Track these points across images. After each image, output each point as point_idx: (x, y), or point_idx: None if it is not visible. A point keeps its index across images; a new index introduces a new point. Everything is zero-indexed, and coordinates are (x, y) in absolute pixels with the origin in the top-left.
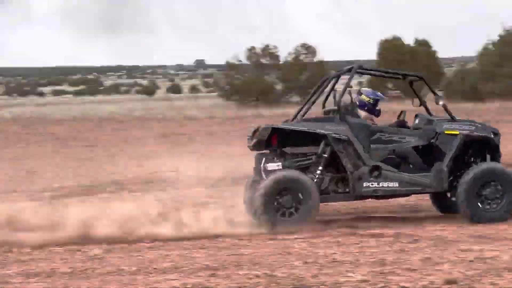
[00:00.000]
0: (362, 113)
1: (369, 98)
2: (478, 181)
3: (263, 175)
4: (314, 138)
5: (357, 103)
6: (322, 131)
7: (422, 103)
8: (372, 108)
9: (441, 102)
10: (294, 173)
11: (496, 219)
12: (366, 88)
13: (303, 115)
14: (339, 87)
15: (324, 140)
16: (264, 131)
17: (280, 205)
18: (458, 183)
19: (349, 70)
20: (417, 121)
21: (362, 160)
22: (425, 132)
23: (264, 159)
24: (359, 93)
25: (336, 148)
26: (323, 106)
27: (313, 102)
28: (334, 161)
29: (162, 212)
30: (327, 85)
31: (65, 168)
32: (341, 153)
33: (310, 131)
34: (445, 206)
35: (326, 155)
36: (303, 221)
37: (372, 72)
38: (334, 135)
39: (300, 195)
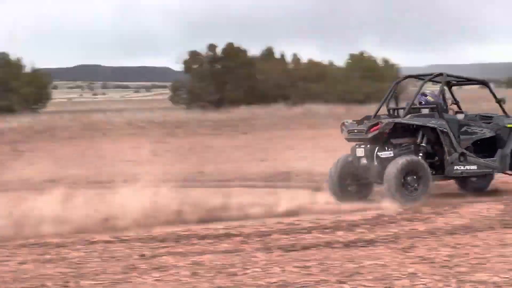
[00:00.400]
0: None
1: (434, 98)
2: None
3: (375, 162)
4: (412, 131)
5: (423, 102)
6: (432, 125)
7: (500, 104)
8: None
9: (503, 103)
10: (416, 158)
11: None
12: (429, 90)
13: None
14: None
15: (423, 132)
16: (387, 126)
17: (407, 184)
18: None
19: (439, 75)
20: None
21: (454, 148)
22: (493, 126)
23: (377, 148)
24: (424, 94)
25: (441, 138)
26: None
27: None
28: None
29: None
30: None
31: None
32: (441, 142)
33: (425, 125)
34: (469, 188)
35: (424, 144)
36: (423, 196)
37: (455, 78)
38: (439, 128)
39: (420, 175)
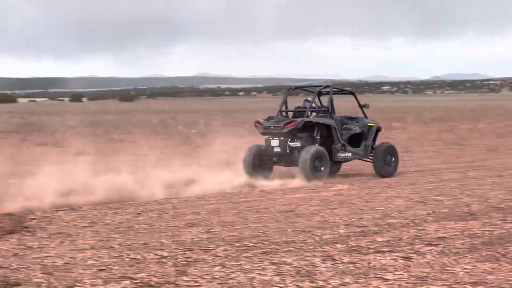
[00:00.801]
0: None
1: (314, 104)
2: (385, 152)
3: (287, 150)
4: (311, 127)
5: (307, 107)
6: (328, 123)
7: (362, 108)
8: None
9: (366, 108)
10: (317, 148)
11: (391, 174)
12: (311, 98)
13: (280, 114)
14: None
15: (318, 128)
16: (300, 123)
17: (315, 166)
18: (375, 153)
19: (327, 86)
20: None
21: (339, 140)
22: (360, 124)
23: (270, 140)
24: (308, 100)
25: (333, 132)
26: (279, 112)
27: (283, 106)
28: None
29: None
30: (286, 97)
31: None
32: (331, 135)
33: (325, 123)
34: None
35: (320, 137)
36: (325, 174)
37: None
38: (332, 125)
39: (323, 160)
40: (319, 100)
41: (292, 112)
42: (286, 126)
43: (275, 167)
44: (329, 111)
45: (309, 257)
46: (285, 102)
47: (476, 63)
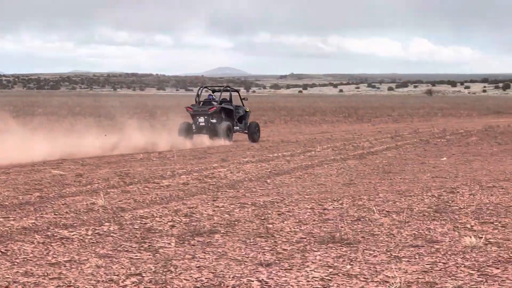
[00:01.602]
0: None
1: (216, 97)
2: (254, 127)
3: (209, 124)
4: (220, 110)
5: (212, 98)
6: (231, 107)
7: (242, 100)
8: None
9: (246, 100)
10: (227, 123)
11: (257, 141)
12: (213, 93)
13: (199, 103)
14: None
15: (224, 111)
16: (218, 107)
17: (227, 133)
18: (249, 128)
19: (227, 87)
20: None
21: (234, 119)
22: (242, 109)
23: (198, 117)
24: (211, 95)
25: (233, 114)
26: (196, 100)
27: (197, 97)
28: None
29: None
30: (201, 90)
31: None
32: (232, 116)
33: (229, 107)
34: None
35: (224, 116)
36: (232, 138)
37: (217, 88)
38: (234, 109)
39: (231, 130)
40: (220, 95)
41: (202, 102)
42: (209, 110)
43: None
44: (230, 101)
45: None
46: (198, 96)
47: None
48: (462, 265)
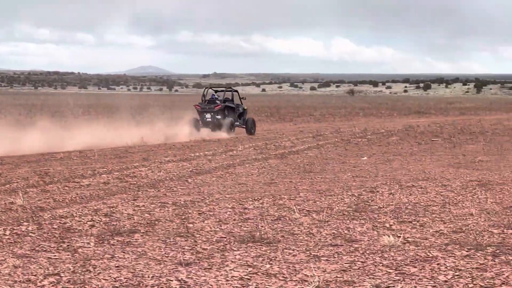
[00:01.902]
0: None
1: (219, 96)
2: (251, 122)
3: (205, 119)
4: (224, 108)
5: (215, 97)
6: (233, 105)
7: (241, 99)
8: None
9: (244, 99)
10: (231, 119)
11: (253, 134)
12: (216, 93)
13: (204, 100)
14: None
15: (227, 108)
16: (223, 106)
17: (231, 128)
18: (246, 123)
19: (229, 87)
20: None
21: (235, 115)
22: (241, 107)
23: (205, 114)
24: (214, 94)
25: (235, 111)
26: (202, 99)
27: (203, 96)
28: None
29: None
30: (206, 91)
31: None
32: (234, 113)
33: (232, 105)
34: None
35: (227, 113)
36: (234, 132)
37: (221, 88)
38: (236, 107)
39: (234, 125)
40: (224, 94)
41: (207, 101)
42: (215, 108)
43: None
44: (232, 100)
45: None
46: (204, 95)
47: None
48: (380, 264)
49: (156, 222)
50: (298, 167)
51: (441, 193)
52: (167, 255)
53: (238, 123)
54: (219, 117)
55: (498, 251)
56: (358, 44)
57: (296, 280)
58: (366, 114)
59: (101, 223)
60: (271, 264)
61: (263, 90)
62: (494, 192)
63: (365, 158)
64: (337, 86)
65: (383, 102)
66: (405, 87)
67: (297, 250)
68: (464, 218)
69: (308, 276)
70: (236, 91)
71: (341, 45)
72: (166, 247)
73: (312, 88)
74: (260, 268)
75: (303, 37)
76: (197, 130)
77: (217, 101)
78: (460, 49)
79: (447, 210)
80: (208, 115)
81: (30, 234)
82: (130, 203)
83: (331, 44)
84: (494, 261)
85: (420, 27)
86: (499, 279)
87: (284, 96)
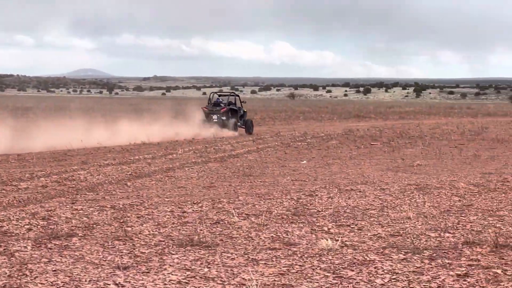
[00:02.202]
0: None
1: (223, 99)
2: (250, 123)
3: (212, 120)
4: (228, 110)
5: (219, 101)
6: (236, 108)
7: (241, 103)
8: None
9: (244, 102)
10: (234, 119)
11: (252, 133)
12: (221, 97)
13: (211, 104)
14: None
15: (231, 111)
16: (227, 108)
17: (234, 127)
18: (246, 123)
19: (232, 92)
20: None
21: (238, 116)
22: (242, 110)
23: (212, 115)
24: (219, 98)
25: (238, 113)
26: (208, 102)
27: (209, 100)
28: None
29: None
30: (212, 95)
31: None
32: (237, 114)
33: (235, 108)
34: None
35: (230, 115)
36: (237, 131)
37: (225, 92)
38: (238, 109)
39: (237, 125)
40: (227, 98)
41: (213, 104)
42: (221, 110)
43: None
44: (235, 103)
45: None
46: (210, 99)
47: None
48: (318, 268)
49: (94, 225)
50: (237, 170)
51: (380, 197)
52: (105, 259)
53: (239, 123)
54: (224, 118)
55: (434, 254)
56: (298, 48)
57: (234, 284)
58: (307, 118)
59: (38, 226)
60: (209, 267)
61: (204, 93)
62: (432, 196)
63: (305, 161)
64: (278, 90)
65: (323, 106)
66: (345, 91)
67: (236, 254)
68: (402, 221)
69: (246, 279)
70: (238, 95)
71: (282, 49)
72: (104, 250)
73: (253, 92)
74: (198, 272)
75: (244, 41)
76: (203, 128)
77: (222, 104)
78: (400, 53)
79: (385, 213)
80: (214, 116)
81: None
82: (68, 206)
83: (272, 48)
84: (431, 264)
85: (360, 31)
86: (435, 283)
87: None
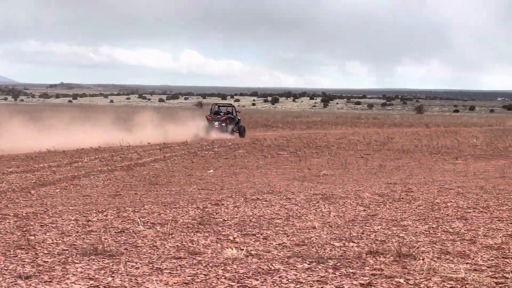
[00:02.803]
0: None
1: (221, 109)
2: (242, 128)
3: (214, 126)
4: (226, 118)
5: (219, 110)
6: (233, 116)
7: (237, 112)
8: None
9: (239, 112)
10: (232, 126)
11: (244, 137)
12: (220, 107)
13: (212, 112)
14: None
15: (228, 119)
16: (226, 116)
17: (232, 132)
18: (239, 129)
19: (229, 104)
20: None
21: (234, 123)
22: (237, 118)
23: (214, 122)
24: (218, 108)
25: (235, 121)
26: (211, 111)
27: (211, 110)
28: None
29: None
30: (214, 106)
31: None
32: (234, 122)
33: (232, 116)
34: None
35: (228, 122)
36: (234, 135)
37: (224, 103)
38: (235, 117)
39: (234, 130)
40: (225, 108)
41: (214, 112)
42: (222, 118)
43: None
44: (232, 113)
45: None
46: (211, 109)
47: None
48: (223, 277)
49: None
50: (144, 179)
51: (285, 206)
52: (6, 268)
53: (235, 129)
54: (223, 124)
55: (339, 263)
56: (207, 56)
57: None
58: None
59: None
60: (113, 277)
61: (111, 101)
62: (337, 205)
63: (212, 171)
64: (186, 98)
65: None
66: (253, 100)
67: (140, 263)
68: (307, 231)
69: None
70: (234, 106)
71: (190, 57)
72: (5, 259)
73: (161, 100)
74: (101, 281)
75: (151, 49)
76: (209, 132)
77: (221, 113)
78: (309, 63)
79: (290, 223)
80: (216, 123)
81: None
82: None
83: (179, 56)
84: (335, 273)
85: (269, 41)
86: None
87: (132, 108)
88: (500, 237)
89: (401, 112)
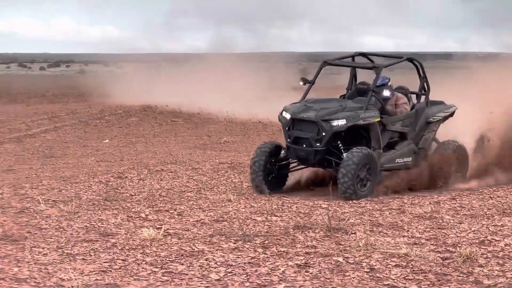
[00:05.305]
0: None
1: None
2: None
3: None
4: None
5: None
6: None
7: None
8: None
9: None
10: None
11: None
12: None
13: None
14: None
15: None
16: None
17: None
18: None
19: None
20: None
21: None
22: None
23: None
24: None
25: None
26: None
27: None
28: None
29: None
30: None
31: None
32: None
33: None
34: None
35: None
36: None
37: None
38: None
39: None
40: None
41: None
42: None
43: None
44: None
45: None
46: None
47: None
48: (144, 262)
49: None
50: (37, 151)
51: (193, 177)
52: None
53: None
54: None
55: (266, 241)
56: (79, 23)
57: (51, 285)
58: (101, 94)
59: None
60: (20, 266)
61: None
62: (247, 174)
63: (107, 140)
64: (68, 66)
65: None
66: None
67: (48, 248)
68: (223, 204)
69: (64, 280)
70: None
71: (66, 24)
72: None
73: (42, 68)
74: (7, 272)
75: (25, 17)
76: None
77: None
78: (180, 26)
79: (203, 196)
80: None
81: None
82: None
83: (55, 23)
84: (266, 253)
85: (139, 4)
86: (276, 275)
87: (12, 77)
88: (428, 204)
89: None
